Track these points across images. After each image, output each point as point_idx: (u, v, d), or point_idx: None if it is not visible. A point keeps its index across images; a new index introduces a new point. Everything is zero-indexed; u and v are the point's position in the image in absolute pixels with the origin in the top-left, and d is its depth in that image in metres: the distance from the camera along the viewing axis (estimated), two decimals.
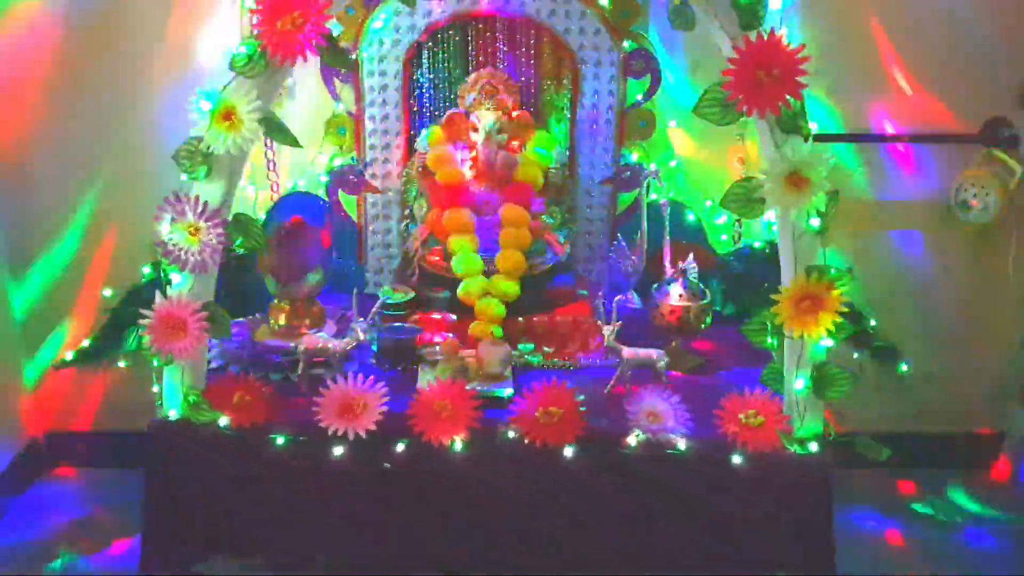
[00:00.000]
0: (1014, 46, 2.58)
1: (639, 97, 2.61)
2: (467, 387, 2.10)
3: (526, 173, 2.49)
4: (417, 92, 2.61)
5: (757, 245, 2.66)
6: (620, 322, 2.22)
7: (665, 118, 2.68)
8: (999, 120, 2.63)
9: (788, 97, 1.80)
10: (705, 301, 2.35)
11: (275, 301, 2.39)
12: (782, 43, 1.79)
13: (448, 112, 2.57)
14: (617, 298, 2.29)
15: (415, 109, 2.63)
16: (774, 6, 2.44)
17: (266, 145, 2.59)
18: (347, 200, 2.69)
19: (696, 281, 2.38)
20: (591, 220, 2.71)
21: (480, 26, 2.56)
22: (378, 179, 2.66)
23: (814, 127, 1.90)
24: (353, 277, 2.69)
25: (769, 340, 2.01)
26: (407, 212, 2.66)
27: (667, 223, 2.53)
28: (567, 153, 2.63)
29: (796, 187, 1.86)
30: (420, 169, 2.55)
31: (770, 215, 1.94)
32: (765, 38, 1.79)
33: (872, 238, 2.79)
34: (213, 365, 2.27)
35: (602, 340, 2.25)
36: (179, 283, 2.00)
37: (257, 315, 2.46)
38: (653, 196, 2.59)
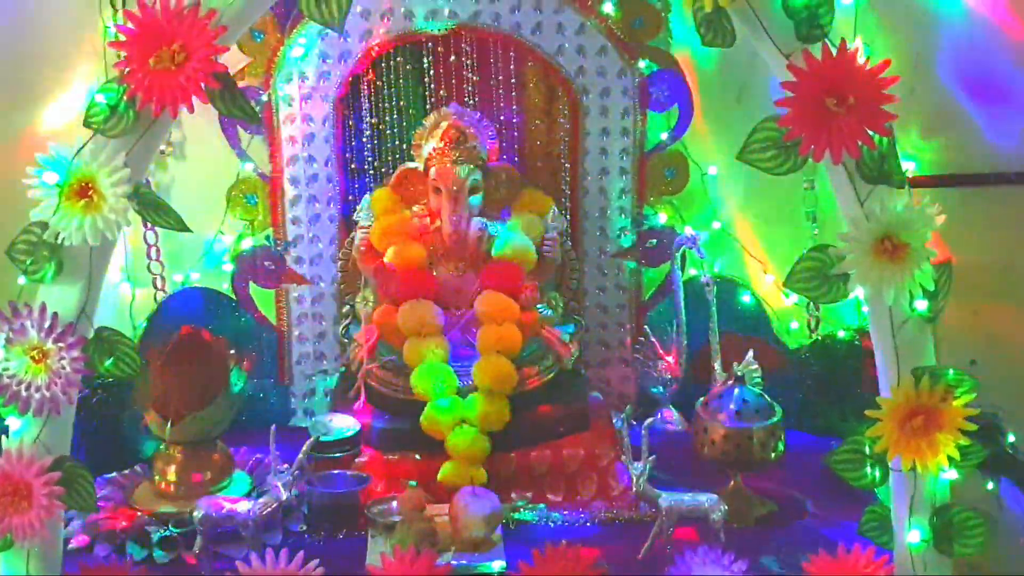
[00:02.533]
0: None
1: (664, 136, 2.62)
2: (438, 561, 2.04)
3: (511, 247, 2.47)
4: (355, 142, 2.61)
5: (842, 335, 2.64)
6: (654, 456, 2.18)
7: (702, 163, 2.68)
8: None
9: (871, 133, 1.79)
10: (774, 419, 2.32)
11: (161, 448, 2.35)
12: (857, 59, 1.78)
13: (399, 168, 2.56)
14: (648, 421, 2.24)
15: (353, 166, 2.63)
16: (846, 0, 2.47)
17: (145, 226, 2.58)
18: (262, 296, 2.68)
19: (759, 391, 2.35)
20: (606, 308, 2.69)
21: (440, 49, 2.57)
22: (304, 265, 2.64)
23: (910, 168, 1.89)
24: (272, 406, 2.66)
25: (868, 474, 1.97)
26: (346, 309, 2.64)
27: (714, 308, 2.52)
28: (567, 217, 2.62)
29: (890, 256, 1.83)
30: (362, 249, 2.54)
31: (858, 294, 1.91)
32: (833, 53, 1.79)
33: (998, 315, 2.78)
34: (73, 545, 2.21)
35: (630, 482, 2.20)
36: (19, 430, 1.94)
37: (136, 469, 2.42)
38: (692, 271, 2.58)
